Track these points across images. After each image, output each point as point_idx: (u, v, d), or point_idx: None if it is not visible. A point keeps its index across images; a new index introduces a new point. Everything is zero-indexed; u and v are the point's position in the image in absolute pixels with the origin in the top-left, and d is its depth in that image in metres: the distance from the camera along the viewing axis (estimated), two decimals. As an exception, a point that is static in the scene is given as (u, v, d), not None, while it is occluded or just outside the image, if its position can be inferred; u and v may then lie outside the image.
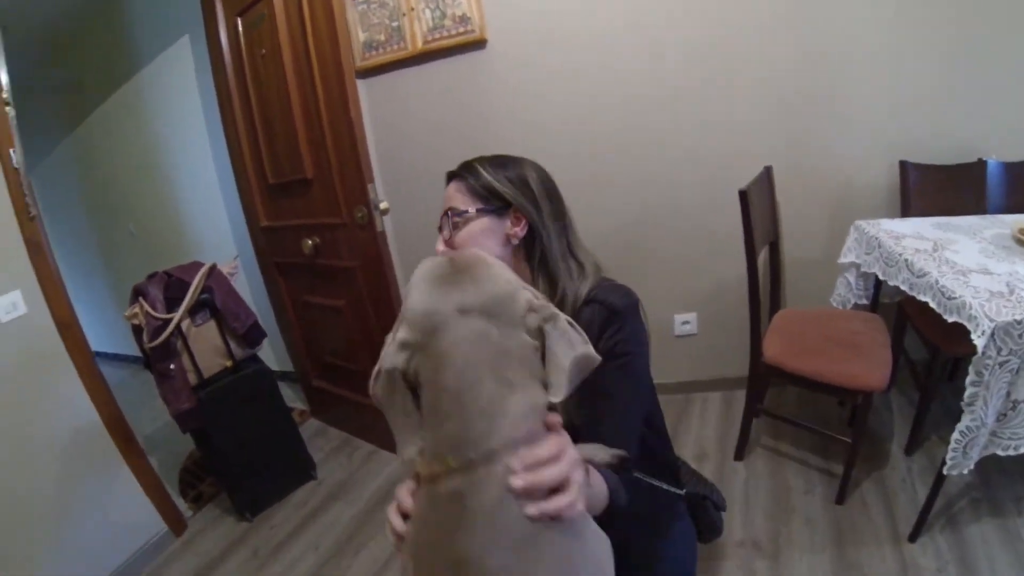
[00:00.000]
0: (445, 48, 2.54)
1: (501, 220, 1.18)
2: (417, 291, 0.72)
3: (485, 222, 1.17)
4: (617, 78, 2.43)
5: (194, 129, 3.32)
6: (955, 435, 1.51)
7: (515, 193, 1.18)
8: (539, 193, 1.19)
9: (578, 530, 0.71)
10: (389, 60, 2.63)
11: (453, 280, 0.71)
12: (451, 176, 1.24)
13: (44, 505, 2.09)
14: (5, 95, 1.96)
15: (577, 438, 0.84)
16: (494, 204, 1.18)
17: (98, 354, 4.91)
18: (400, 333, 0.70)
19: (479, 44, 2.51)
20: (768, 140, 2.38)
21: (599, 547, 0.75)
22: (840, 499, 2.03)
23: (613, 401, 1.05)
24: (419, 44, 2.56)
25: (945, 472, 1.57)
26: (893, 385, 2.50)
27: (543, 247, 1.17)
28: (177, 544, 2.48)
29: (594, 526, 0.76)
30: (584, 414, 1.02)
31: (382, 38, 2.62)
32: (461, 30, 2.48)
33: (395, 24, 2.57)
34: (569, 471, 0.69)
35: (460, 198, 1.20)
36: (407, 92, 2.70)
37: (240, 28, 2.51)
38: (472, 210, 1.17)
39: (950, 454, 1.54)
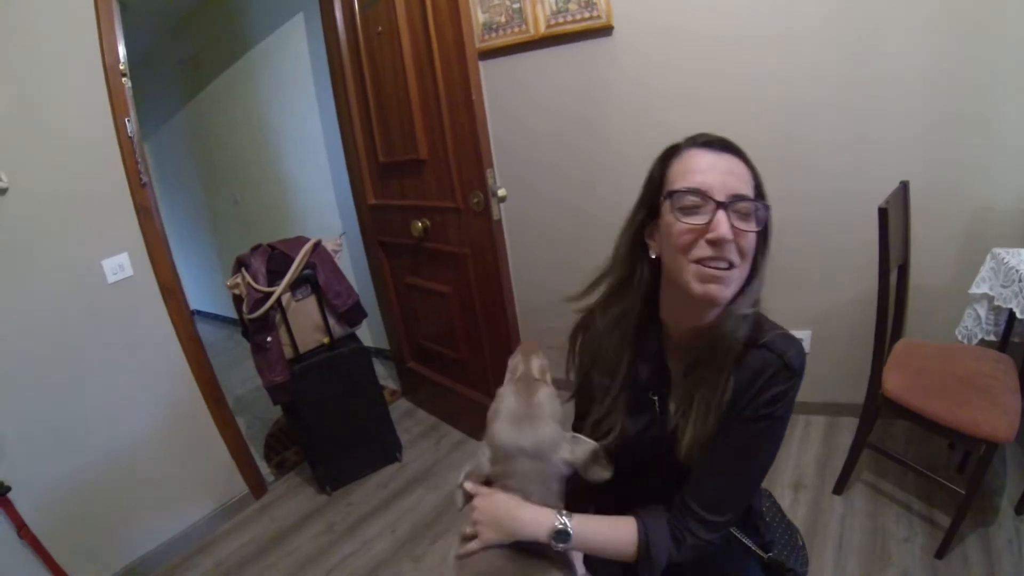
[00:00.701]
0: (568, 33, 2.30)
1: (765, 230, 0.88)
2: (499, 424, 0.95)
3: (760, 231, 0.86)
4: (754, 83, 2.15)
5: (304, 105, 3.20)
6: None
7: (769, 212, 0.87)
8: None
9: None
10: (509, 43, 2.42)
11: (520, 424, 0.93)
12: (725, 145, 0.87)
13: (135, 456, 2.08)
14: (122, 67, 1.93)
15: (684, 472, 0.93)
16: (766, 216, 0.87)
17: (197, 312, 5.10)
18: (487, 452, 0.96)
19: (605, 31, 2.25)
20: (906, 154, 2.06)
21: None
22: (941, 553, 1.76)
23: (749, 461, 0.92)
24: (541, 28, 2.33)
25: None
26: None
27: (758, 279, 0.89)
28: (255, 506, 2.42)
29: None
30: (712, 460, 0.90)
31: (502, 20, 2.40)
32: (586, 15, 2.23)
33: (516, 6, 2.35)
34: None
35: (751, 184, 0.86)
36: (526, 77, 2.49)
37: (356, 6, 2.34)
38: (764, 207, 0.85)
39: None
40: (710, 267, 0.80)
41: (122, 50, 1.90)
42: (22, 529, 1.74)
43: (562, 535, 0.88)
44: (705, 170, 0.82)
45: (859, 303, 2.00)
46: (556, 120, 2.51)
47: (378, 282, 2.91)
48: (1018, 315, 1.69)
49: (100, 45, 1.86)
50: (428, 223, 2.30)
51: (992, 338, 1.98)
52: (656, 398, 0.97)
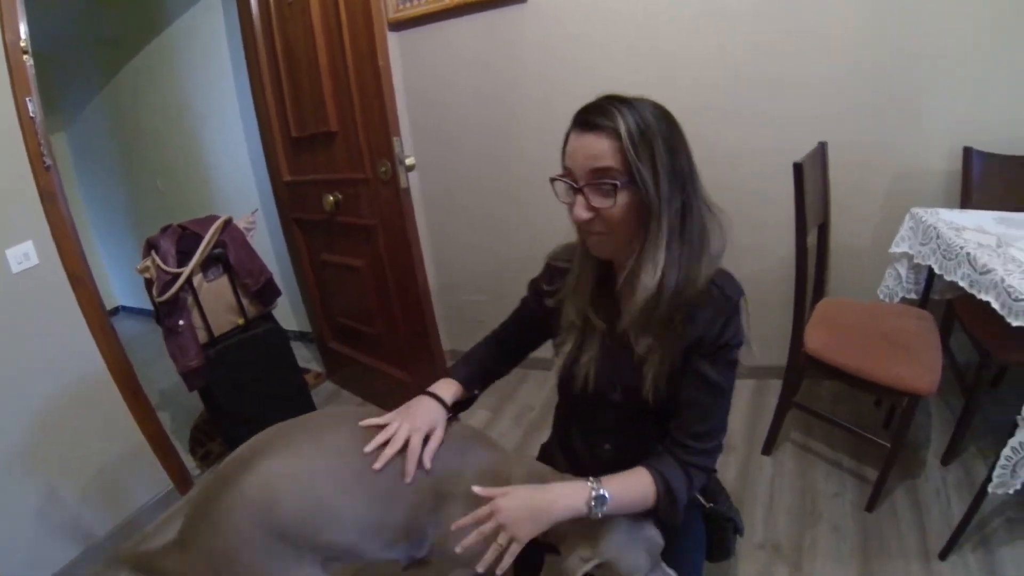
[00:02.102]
0: (483, 1, 2.33)
1: (645, 197, 0.93)
2: None
3: (632, 201, 0.93)
4: (680, 44, 2.21)
5: (223, 83, 3.18)
6: (1006, 451, 1.38)
7: (668, 167, 0.92)
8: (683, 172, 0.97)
9: None
10: (423, 12, 2.44)
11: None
12: (592, 125, 0.93)
13: (50, 456, 2.02)
14: (23, 44, 1.87)
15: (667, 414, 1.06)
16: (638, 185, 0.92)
17: (124, 308, 5.02)
18: None
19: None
20: (828, 110, 2.14)
21: None
22: (870, 506, 1.87)
23: (722, 394, 1.05)
24: None
25: (990, 490, 1.44)
26: None
27: (653, 232, 0.95)
28: (181, 502, 2.39)
29: None
30: (692, 397, 1.03)
31: None
32: None
33: None
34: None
35: (614, 159, 0.91)
36: (442, 46, 2.52)
37: None
38: (627, 179, 0.91)
39: (997, 472, 1.41)
40: (587, 235, 1.00)
41: (23, 27, 1.84)
42: None
43: (600, 500, 0.94)
44: (571, 154, 0.95)
45: (780, 263, 2.07)
46: (471, 89, 2.54)
47: (295, 261, 2.92)
48: (937, 271, 1.78)
49: (0, 22, 1.80)
50: (340, 196, 2.31)
51: (913, 296, 2.10)
52: (620, 343, 1.08)
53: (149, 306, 4.82)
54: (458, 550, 0.93)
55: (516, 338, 1.31)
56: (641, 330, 1.03)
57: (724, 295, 0.99)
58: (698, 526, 1.24)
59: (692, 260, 0.98)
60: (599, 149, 0.91)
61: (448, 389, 1.20)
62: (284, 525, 0.95)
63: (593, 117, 0.92)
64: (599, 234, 0.96)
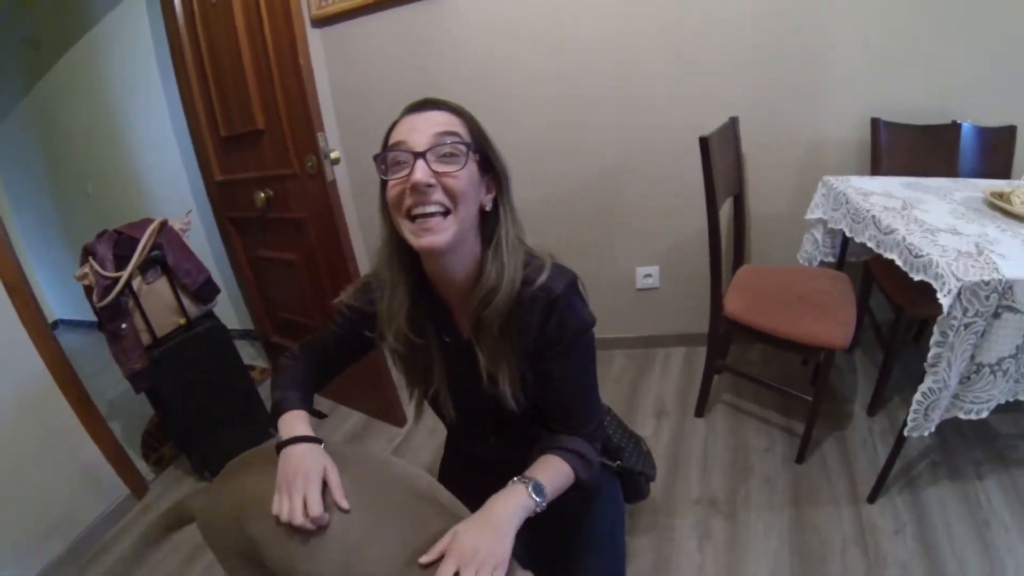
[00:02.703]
0: None
1: (482, 179, 0.96)
2: None
3: (476, 172, 0.94)
4: (586, 13, 2.29)
5: (149, 84, 3.15)
6: (917, 396, 1.47)
7: (497, 155, 0.98)
8: (504, 167, 1.00)
9: None
10: (346, 8, 2.50)
11: None
12: (429, 104, 0.96)
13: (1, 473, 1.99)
14: None
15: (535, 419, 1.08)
16: (478, 157, 0.95)
17: (63, 321, 4.92)
18: None
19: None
20: (739, 87, 2.27)
21: None
22: (800, 458, 1.99)
23: (587, 384, 1.08)
24: None
25: (905, 434, 1.53)
26: (857, 345, 2.48)
27: (503, 225, 0.99)
28: (138, 507, 2.41)
29: None
30: (555, 394, 1.06)
31: None
32: None
33: None
34: None
35: (460, 128, 0.94)
36: (365, 41, 2.58)
37: None
38: (474, 148, 0.93)
39: (911, 416, 1.50)
40: (418, 216, 0.90)
41: None
42: None
43: (537, 488, 0.94)
44: (406, 130, 0.91)
45: (703, 235, 2.09)
46: (394, 81, 2.61)
47: (233, 260, 2.93)
48: (848, 234, 1.89)
49: None
50: (270, 193, 2.35)
51: (831, 259, 2.22)
52: (464, 356, 1.07)
53: (89, 318, 4.73)
54: None
55: (337, 358, 1.24)
56: (481, 341, 1.02)
57: (547, 291, 0.97)
58: (613, 486, 1.34)
59: (518, 256, 0.99)
60: (442, 118, 0.93)
61: (303, 422, 1.07)
62: None
63: (428, 101, 0.96)
64: (435, 212, 0.89)
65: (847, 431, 2.09)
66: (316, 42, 2.58)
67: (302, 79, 1.97)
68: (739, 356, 2.60)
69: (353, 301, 1.12)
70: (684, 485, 1.97)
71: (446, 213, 0.90)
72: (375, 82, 2.65)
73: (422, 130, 0.90)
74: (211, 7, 2.27)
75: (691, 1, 2.18)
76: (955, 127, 2.15)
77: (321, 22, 2.57)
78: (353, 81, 2.70)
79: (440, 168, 0.89)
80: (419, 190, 0.88)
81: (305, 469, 0.93)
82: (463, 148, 0.90)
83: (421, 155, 0.88)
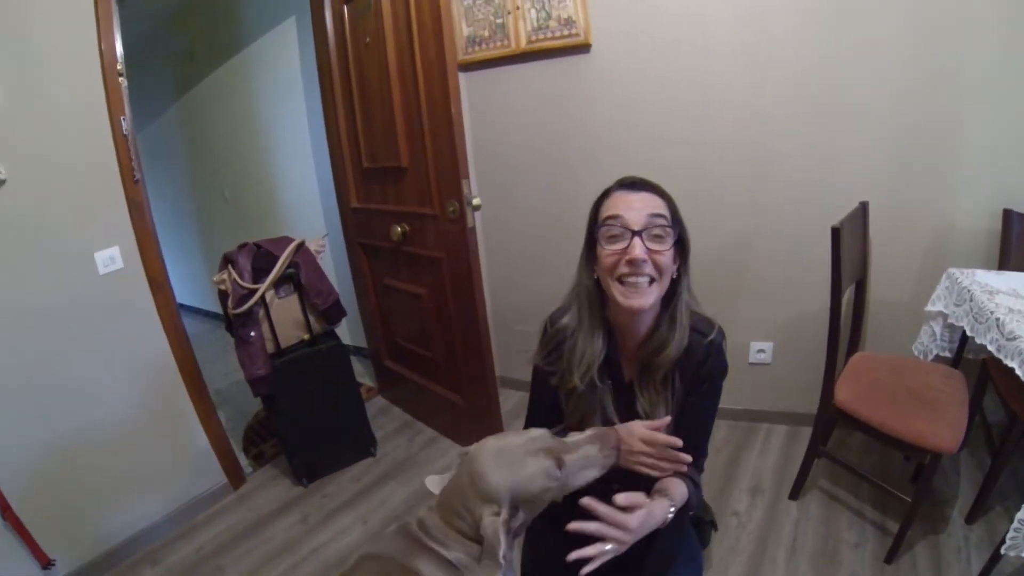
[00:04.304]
0: (548, 49, 2.44)
1: (676, 253, 1.10)
2: (488, 467, 0.95)
3: (672, 252, 1.08)
4: (725, 96, 2.27)
5: (293, 107, 3.31)
6: (1020, 515, 1.37)
7: (686, 232, 1.12)
8: (689, 241, 1.13)
9: None
10: (491, 56, 2.56)
11: (496, 469, 0.95)
12: (643, 185, 1.11)
13: (119, 444, 2.17)
14: (120, 67, 2.02)
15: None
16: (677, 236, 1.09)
17: (181, 306, 5.12)
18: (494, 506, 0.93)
19: (583, 48, 2.39)
20: (869, 173, 2.18)
21: None
22: (890, 558, 1.86)
23: (710, 421, 1.22)
24: (523, 43, 2.47)
25: (1003, 552, 1.43)
26: (964, 446, 2.31)
27: (683, 290, 1.13)
28: (233, 497, 2.52)
29: None
30: (685, 430, 1.10)
31: (486, 34, 2.54)
32: (566, 32, 2.37)
33: (500, 21, 2.49)
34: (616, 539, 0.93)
35: (665, 210, 1.08)
36: (507, 90, 2.62)
37: (346, 15, 2.45)
38: (675, 229, 1.07)
39: (1011, 534, 1.40)
40: (629, 282, 1.04)
41: (119, 48, 1.99)
42: (6, 511, 1.82)
43: (672, 513, 1.05)
44: (624, 207, 1.05)
45: (820, 316, 2.05)
46: (533, 132, 2.64)
47: (358, 282, 3.02)
48: (968, 333, 1.77)
49: (99, 44, 1.94)
50: (407, 228, 2.41)
51: (947, 354, 2.07)
52: (624, 397, 1.19)
53: (206, 306, 5.00)
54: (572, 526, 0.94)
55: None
56: (643, 385, 1.16)
57: (702, 337, 1.13)
58: (693, 545, 1.38)
59: (688, 315, 1.13)
60: (654, 201, 1.07)
61: None
62: None
63: (640, 181, 1.11)
64: (641, 283, 1.04)
65: (942, 536, 1.95)
66: (460, 85, 2.57)
67: (452, 127, 2.03)
68: (840, 442, 2.48)
69: (543, 363, 1.25)
70: (769, 568, 1.89)
71: (651, 282, 1.05)
72: (515, 129, 2.68)
73: (639, 209, 1.05)
74: (364, 46, 2.38)
75: (827, 82, 2.14)
76: (1093, 221, 2.00)
77: (467, 67, 2.64)
78: (493, 125, 2.73)
79: (652, 246, 1.03)
80: (635, 264, 1.03)
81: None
82: (669, 230, 1.05)
83: (638, 233, 1.03)
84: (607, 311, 1.16)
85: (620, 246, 1.04)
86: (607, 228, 1.06)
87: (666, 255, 1.05)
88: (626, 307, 1.05)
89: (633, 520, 0.94)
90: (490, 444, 0.99)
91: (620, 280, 1.05)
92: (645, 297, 1.05)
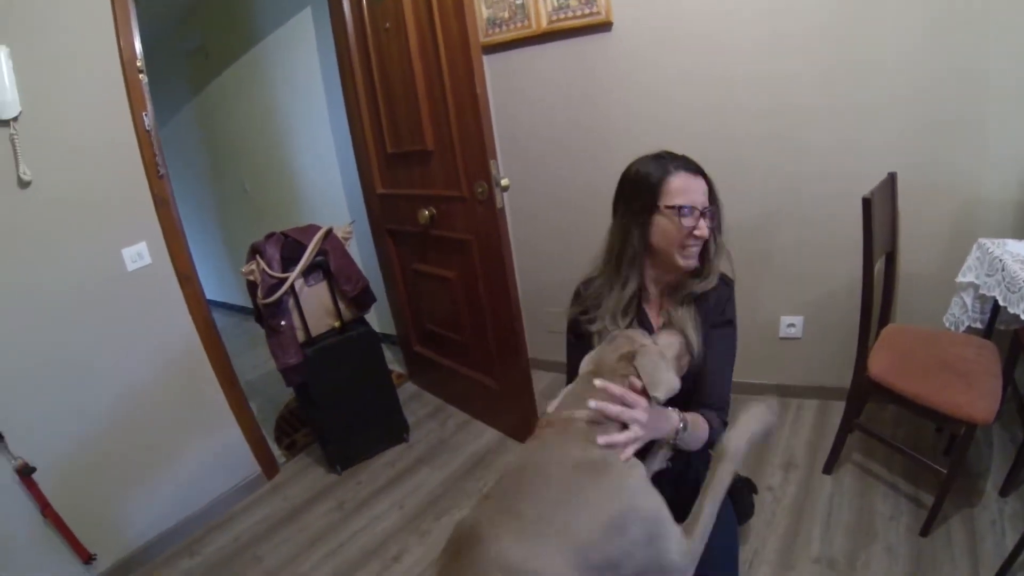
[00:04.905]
0: (569, 28, 2.41)
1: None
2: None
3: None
4: (748, 83, 2.25)
5: (312, 97, 3.30)
6: None
7: (721, 206, 1.35)
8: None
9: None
10: (512, 38, 2.53)
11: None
12: (698, 169, 1.30)
13: (154, 437, 2.20)
14: (139, 64, 2.01)
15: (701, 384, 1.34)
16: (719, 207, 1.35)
17: (210, 302, 5.16)
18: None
19: (604, 27, 2.36)
20: (897, 145, 2.14)
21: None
22: (925, 531, 1.84)
23: (723, 367, 1.37)
24: (543, 23, 2.44)
25: None
26: (997, 418, 2.27)
27: (714, 247, 1.36)
28: (268, 487, 2.54)
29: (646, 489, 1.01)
30: (708, 367, 1.33)
31: (506, 15, 2.52)
32: (586, 11, 2.34)
33: (519, 2, 2.47)
34: (632, 418, 1.04)
35: (708, 195, 1.30)
36: (528, 71, 2.60)
37: (364, 2, 2.44)
38: (715, 208, 1.32)
39: None
40: (691, 250, 1.29)
41: (138, 45, 1.99)
42: (46, 508, 1.85)
43: (684, 429, 1.18)
44: (693, 191, 1.27)
45: (850, 290, 2.07)
46: (556, 113, 2.61)
47: (386, 268, 3.02)
48: (1001, 303, 1.74)
49: (117, 41, 1.94)
50: (435, 211, 2.40)
51: (978, 325, 2.05)
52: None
53: (232, 300, 5.02)
54: (592, 404, 1.04)
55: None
56: (673, 313, 1.35)
57: (724, 281, 1.38)
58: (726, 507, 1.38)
59: (715, 271, 1.37)
60: (704, 188, 1.30)
61: None
62: None
63: (694, 164, 1.30)
64: (697, 250, 1.30)
65: (976, 509, 1.93)
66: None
67: (478, 108, 2.01)
68: (872, 415, 2.44)
69: (575, 315, 1.44)
70: (804, 542, 1.88)
71: (703, 247, 1.32)
72: (538, 110, 2.67)
73: (700, 191, 1.28)
74: (384, 30, 2.36)
75: (862, 71, 2.10)
76: None
77: (488, 49, 2.60)
78: (515, 106, 2.72)
79: (707, 224, 1.28)
80: (699, 239, 1.28)
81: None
82: (716, 211, 1.32)
83: (703, 214, 1.27)
84: (644, 267, 1.36)
85: (690, 223, 1.25)
86: (678, 205, 1.25)
87: (713, 230, 1.31)
88: (684, 266, 1.30)
89: (643, 401, 1.07)
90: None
91: (682, 246, 1.27)
92: (696, 259, 1.32)
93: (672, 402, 1.26)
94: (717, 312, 1.35)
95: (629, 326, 1.34)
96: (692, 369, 1.32)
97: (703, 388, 1.35)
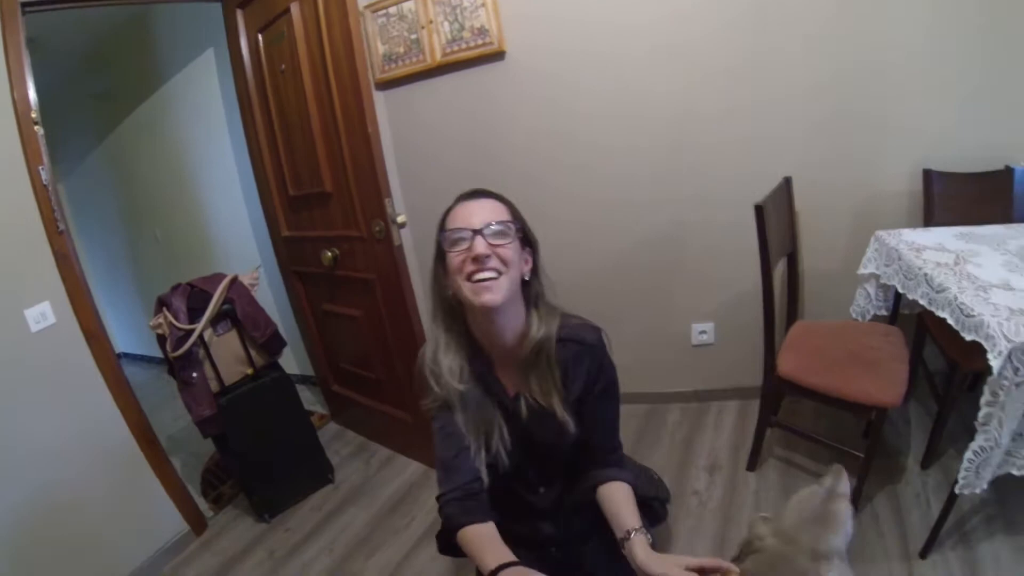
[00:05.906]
0: (463, 60, 2.53)
1: (522, 251, 1.22)
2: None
3: (518, 246, 1.20)
4: (646, 84, 2.39)
5: (219, 139, 3.35)
6: (968, 454, 1.47)
7: (531, 232, 1.25)
8: (536, 241, 1.27)
9: None
10: (408, 72, 2.63)
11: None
12: (480, 193, 1.22)
13: (71, 504, 2.16)
14: (34, 115, 2.00)
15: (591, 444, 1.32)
16: (520, 235, 1.21)
17: (124, 355, 5.17)
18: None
19: (497, 56, 2.49)
20: (793, 149, 2.32)
21: None
22: None
23: (607, 422, 1.35)
24: (437, 56, 2.55)
25: (956, 491, 1.53)
26: (911, 396, 2.44)
27: (538, 289, 1.27)
28: (197, 543, 2.53)
29: None
30: (591, 431, 1.31)
31: (401, 50, 2.62)
32: (479, 42, 2.47)
33: (414, 36, 2.57)
34: None
35: (505, 213, 1.20)
36: (426, 104, 2.70)
37: (261, 44, 2.51)
38: (516, 227, 1.19)
39: (962, 473, 1.50)
40: (477, 279, 1.13)
41: (33, 97, 1.97)
42: None
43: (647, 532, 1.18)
44: (464, 215, 1.17)
45: (757, 293, 2.12)
46: (453, 143, 2.72)
47: (297, 311, 3.07)
48: (900, 291, 1.89)
49: (11, 93, 1.93)
50: (337, 252, 2.48)
51: (884, 313, 2.20)
52: (505, 407, 1.29)
53: (151, 352, 4.97)
54: None
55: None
56: (531, 386, 1.26)
57: (586, 345, 1.27)
58: None
59: (553, 310, 1.28)
60: (494, 207, 1.20)
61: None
62: None
63: (479, 190, 1.23)
64: (492, 278, 1.12)
65: (900, 485, 2.07)
66: (380, 104, 2.71)
67: (371, 148, 2.11)
68: (792, 409, 2.58)
69: (433, 403, 1.29)
70: (736, 540, 1.96)
71: (498, 275, 1.14)
72: (438, 141, 2.75)
73: (478, 213, 1.16)
74: (280, 73, 2.45)
75: (759, 77, 2.27)
76: (1008, 172, 2.15)
77: (385, 85, 2.72)
78: (415, 138, 2.80)
79: (494, 241, 1.13)
80: (479, 260, 1.12)
81: None
82: (510, 227, 1.17)
83: (479, 232, 1.13)
84: (469, 326, 1.27)
85: (464, 247, 1.14)
86: (450, 234, 1.16)
87: (509, 248, 1.15)
88: (479, 304, 1.13)
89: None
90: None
91: (469, 279, 1.13)
92: (495, 292, 1.13)
93: (554, 469, 1.38)
94: (597, 372, 1.28)
95: (483, 395, 1.27)
96: (570, 440, 1.28)
97: (595, 445, 1.34)
